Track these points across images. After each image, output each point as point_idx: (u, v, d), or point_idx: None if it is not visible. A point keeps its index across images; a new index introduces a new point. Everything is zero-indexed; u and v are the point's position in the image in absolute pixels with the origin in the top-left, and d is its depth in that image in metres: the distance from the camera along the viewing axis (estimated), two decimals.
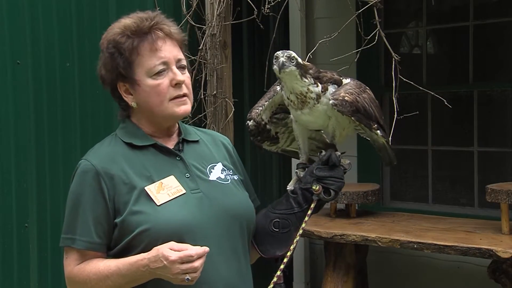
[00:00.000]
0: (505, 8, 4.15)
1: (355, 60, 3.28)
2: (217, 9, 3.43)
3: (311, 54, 3.23)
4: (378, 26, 3.03)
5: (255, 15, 3.39)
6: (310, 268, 4.69)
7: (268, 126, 1.94)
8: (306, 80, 1.74)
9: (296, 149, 1.96)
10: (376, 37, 3.05)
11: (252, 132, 1.93)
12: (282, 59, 1.71)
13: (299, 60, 1.75)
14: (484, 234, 3.46)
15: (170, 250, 1.53)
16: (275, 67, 1.73)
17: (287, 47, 4.68)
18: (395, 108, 3.01)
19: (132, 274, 1.60)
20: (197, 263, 1.52)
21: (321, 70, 1.82)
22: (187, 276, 1.52)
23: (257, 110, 1.91)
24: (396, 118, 2.98)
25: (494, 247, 3.17)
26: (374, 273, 4.26)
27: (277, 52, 1.74)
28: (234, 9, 3.52)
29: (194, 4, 3.54)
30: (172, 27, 1.76)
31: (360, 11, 3.16)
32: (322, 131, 1.95)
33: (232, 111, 3.50)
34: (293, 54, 1.73)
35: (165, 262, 1.52)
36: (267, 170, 4.41)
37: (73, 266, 1.71)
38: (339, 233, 3.60)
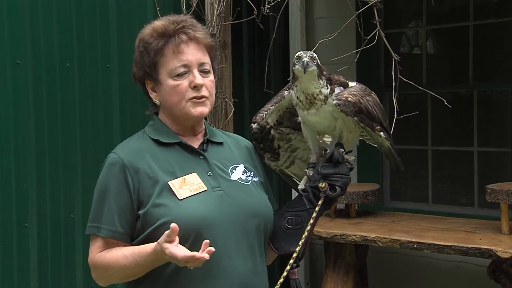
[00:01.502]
0: (505, 8, 4.15)
1: (355, 60, 3.28)
2: (217, 9, 3.43)
3: None
4: (378, 26, 3.03)
5: (255, 15, 3.39)
6: (310, 268, 4.69)
7: (272, 132, 1.99)
8: (321, 82, 1.80)
9: (293, 174, 2.05)
10: (376, 37, 3.04)
11: (255, 135, 1.98)
12: (306, 59, 1.76)
13: (319, 61, 1.80)
14: (484, 234, 3.46)
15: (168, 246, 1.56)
16: (297, 66, 1.78)
17: (287, 47, 4.69)
18: (395, 108, 3.01)
19: (148, 263, 1.66)
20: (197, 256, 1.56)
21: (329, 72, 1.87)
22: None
23: (262, 114, 1.96)
24: (396, 118, 2.98)
25: (494, 247, 3.17)
26: (374, 273, 4.26)
27: (299, 52, 1.80)
28: (234, 9, 3.51)
29: (194, 4, 3.53)
30: (198, 32, 1.81)
31: (360, 11, 3.16)
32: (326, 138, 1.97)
33: (232, 111, 3.50)
34: (315, 54, 1.79)
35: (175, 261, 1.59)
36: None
37: (95, 253, 1.77)
38: (339, 233, 3.60)
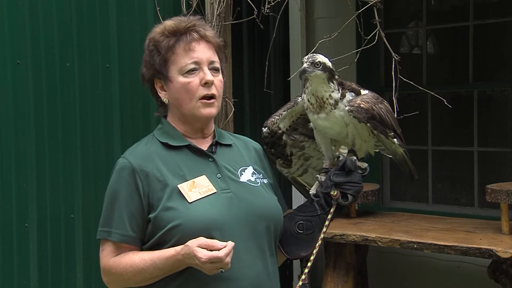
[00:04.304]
0: (505, 8, 4.15)
1: (355, 60, 3.28)
2: (217, 9, 3.43)
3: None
4: (378, 26, 3.03)
5: (255, 15, 3.39)
6: (310, 268, 4.68)
7: (284, 137, 1.98)
8: (332, 85, 1.79)
9: (306, 183, 2.02)
10: (376, 37, 3.05)
11: (266, 140, 1.98)
12: (304, 65, 1.77)
13: (328, 64, 1.79)
14: (484, 234, 3.46)
15: (200, 250, 1.59)
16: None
17: (287, 47, 4.69)
18: (395, 108, 3.00)
19: (168, 267, 1.67)
20: (227, 259, 1.59)
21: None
22: (220, 270, 1.60)
23: (273, 119, 1.96)
24: (396, 118, 2.98)
25: (494, 247, 3.17)
26: (374, 273, 4.26)
27: (305, 56, 1.79)
28: (234, 9, 3.51)
29: (194, 4, 3.53)
30: (208, 31, 1.83)
31: (360, 11, 3.16)
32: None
33: (232, 111, 3.50)
34: (319, 58, 1.78)
35: (197, 261, 1.59)
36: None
37: (109, 258, 1.76)
38: (339, 233, 3.60)
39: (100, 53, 3.59)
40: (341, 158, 1.83)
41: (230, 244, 1.60)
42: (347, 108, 1.78)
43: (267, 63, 3.75)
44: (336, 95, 1.79)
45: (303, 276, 1.84)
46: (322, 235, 1.83)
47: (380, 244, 3.51)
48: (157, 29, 1.83)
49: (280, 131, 1.98)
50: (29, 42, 3.46)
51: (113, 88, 3.60)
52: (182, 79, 1.77)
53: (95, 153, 3.58)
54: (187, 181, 1.73)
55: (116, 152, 3.46)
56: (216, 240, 1.61)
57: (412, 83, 3.14)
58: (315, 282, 4.61)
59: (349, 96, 1.82)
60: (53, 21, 3.51)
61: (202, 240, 1.60)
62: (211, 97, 1.78)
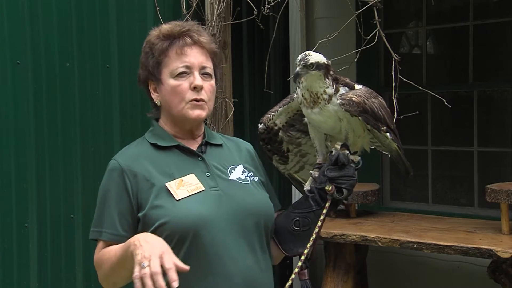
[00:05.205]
0: (505, 8, 4.15)
1: (355, 60, 3.28)
2: (217, 9, 3.43)
3: None
4: (378, 26, 3.03)
5: (255, 15, 3.39)
6: (310, 268, 4.68)
7: (281, 134, 1.99)
8: (327, 81, 1.80)
9: (303, 180, 2.01)
10: (376, 37, 3.04)
11: (262, 136, 1.99)
12: (297, 69, 1.77)
13: (322, 61, 1.78)
14: (484, 234, 3.46)
15: (154, 258, 1.51)
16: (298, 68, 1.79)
17: (287, 47, 4.69)
18: (395, 108, 3.01)
19: (120, 251, 1.65)
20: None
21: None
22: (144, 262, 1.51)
23: (269, 115, 1.97)
24: (396, 118, 2.98)
25: (494, 247, 3.17)
26: (374, 273, 4.26)
27: (298, 57, 1.79)
28: (234, 9, 3.51)
29: (194, 4, 3.53)
30: (202, 37, 1.85)
31: (360, 11, 3.16)
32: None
33: (232, 111, 3.50)
34: (311, 60, 1.77)
35: (136, 252, 1.53)
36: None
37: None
38: (339, 233, 3.60)
39: (100, 53, 3.59)
40: (333, 153, 1.83)
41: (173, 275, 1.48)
42: (338, 101, 1.78)
43: (267, 63, 3.75)
44: (330, 90, 1.79)
45: (296, 269, 1.83)
46: (317, 229, 1.82)
47: (380, 244, 3.51)
48: (154, 32, 1.86)
49: (276, 128, 1.98)
50: (29, 42, 3.46)
51: (113, 88, 3.60)
52: (172, 82, 1.80)
53: (95, 153, 3.58)
54: (175, 179, 1.75)
55: (116, 152, 3.43)
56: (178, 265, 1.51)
57: (412, 83, 3.14)
58: (315, 282, 4.61)
59: (342, 90, 1.82)
60: (53, 21, 3.51)
61: (170, 254, 1.52)
62: (200, 101, 1.80)
